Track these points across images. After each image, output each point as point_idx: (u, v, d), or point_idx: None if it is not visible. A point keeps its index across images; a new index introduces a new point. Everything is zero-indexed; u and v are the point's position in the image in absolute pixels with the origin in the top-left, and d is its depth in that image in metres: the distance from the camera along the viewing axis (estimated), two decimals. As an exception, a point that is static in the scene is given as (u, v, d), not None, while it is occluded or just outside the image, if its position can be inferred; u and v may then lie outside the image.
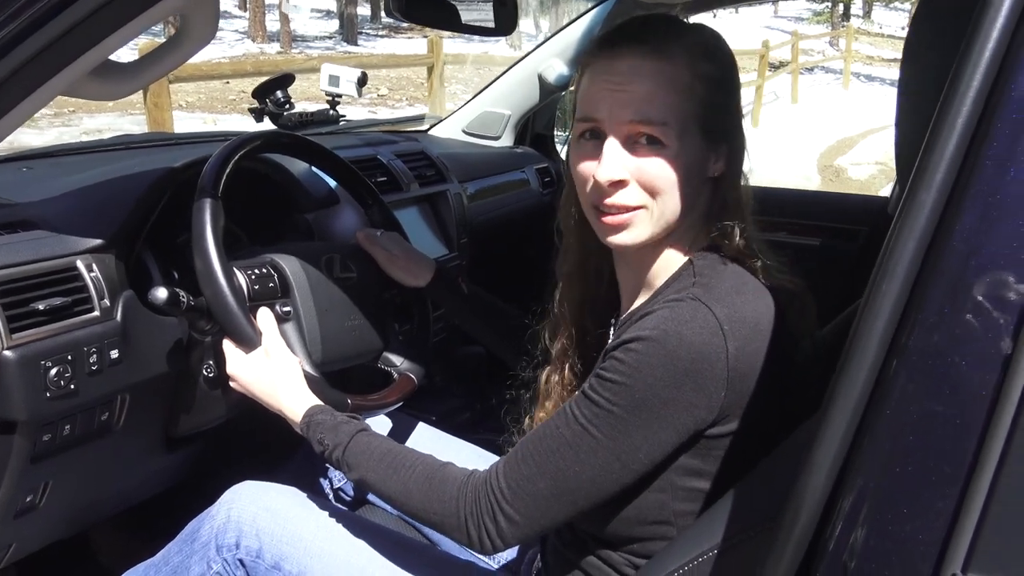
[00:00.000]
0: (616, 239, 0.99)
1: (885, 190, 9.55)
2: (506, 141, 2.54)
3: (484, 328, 1.44)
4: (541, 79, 2.40)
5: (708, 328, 0.89)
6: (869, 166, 10.92)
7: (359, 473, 1.04)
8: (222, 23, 0.94)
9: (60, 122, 9.38)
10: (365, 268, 1.37)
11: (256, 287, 1.19)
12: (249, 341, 1.13)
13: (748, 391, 0.92)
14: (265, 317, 1.17)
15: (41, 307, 1.08)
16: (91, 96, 1.05)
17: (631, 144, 0.95)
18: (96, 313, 1.15)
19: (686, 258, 0.99)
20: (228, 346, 1.15)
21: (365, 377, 1.40)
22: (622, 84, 0.95)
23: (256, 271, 1.20)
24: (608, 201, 0.96)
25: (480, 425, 1.77)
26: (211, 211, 1.15)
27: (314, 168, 1.55)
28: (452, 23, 1.34)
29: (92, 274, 1.16)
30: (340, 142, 1.77)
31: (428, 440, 1.48)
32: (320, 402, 1.12)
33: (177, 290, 1.15)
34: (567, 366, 1.15)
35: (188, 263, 1.42)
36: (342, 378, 1.34)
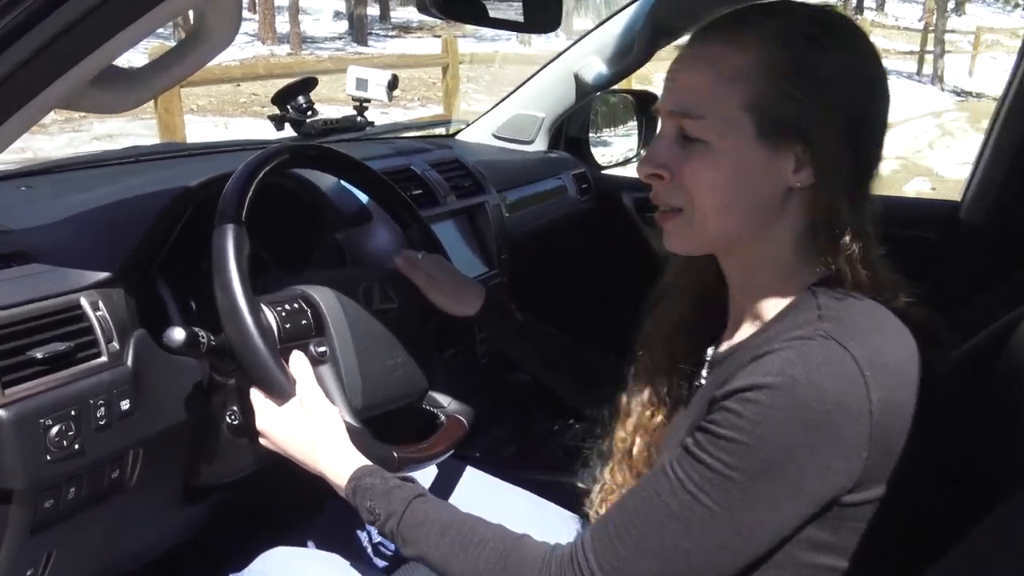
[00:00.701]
0: (665, 241, 0.89)
1: (909, 186, 9.36)
2: (539, 145, 2.38)
3: (541, 361, 1.28)
4: (578, 79, 2.24)
5: (846, 374, 0.74)
6: (890, 161, 10.69)
7: (417, 549, 0.89)
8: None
9: (71, 127, 9.27)
10: (407, 296, 1.21)
11: (287, 325, 1.03)
12: (282, 391, 0.97)
13: (894, 451, 0.76)
14: (299, 362, 1.01)
15: (39, 355, 0.92)
16: (93, 109, 0.90)
17: (679, 138, 0.84)
18: (103, 359, 0.99)
19: (800, 285, 0.84)
20: (257, 397, 1.00)
21: (406, 420, 1.24)
22: (676, 71, 0.85)
23: (286, 307, 1.04)
24: (651, 195, 0.87)
25: (527, 460, 1.61)
26: (234, 239, 0.99)
27: (344, 182, 1.40)
28: (487, 19, 1.19)
29: (98, 313, 1.00)
30: (369, 151, 1.61)
31: (475, 487, 1.32)
32: (366, 461, 0.96)
33: (196, 330, 1.00)
34: (650, 393, 0.99)
35: (207, 292, 1.27)
36: (381, 423, 1.18)
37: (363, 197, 1.42)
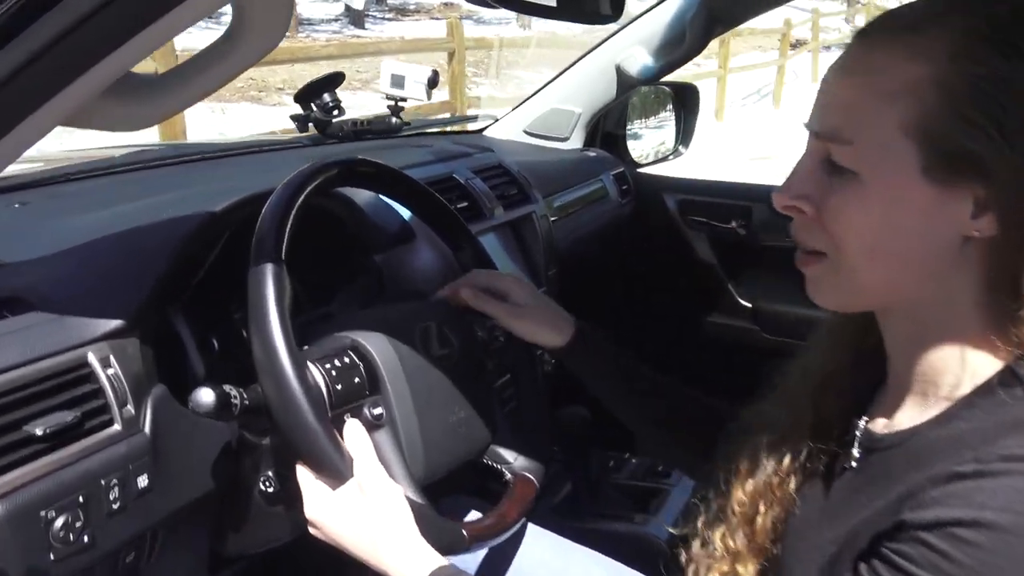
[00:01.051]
0: (808, 290, 0.74)
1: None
2: (574, 143, 2.20)
3: (636, 402, 1.09)
4: (620, 72, 2.05)
5: None
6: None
7: None
8: (225, 10, 0.59)
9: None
10: (465, 337, 1.03)
11: (338, 386, 0.85)
12: (337, 473, 0.80)
13: None
14: (355, 433, 0.84)
15: (39, 431, 0.75)
16: (106, 125, 0.72)
17: (825, 165, 0.68)
18: (117, 427, 0.82)
19: (989, 361, 0.66)
20: (306, 478, 0.82)
21: (463, 477, 1.07)
22: (827, 83, 0.69)
23: (336, 362, 0.87)
24: (791, 230, 0.73)
25: (584, 503, 1.44)
26: (275, 284, 0.82)
27: (384, 198, 1.22)
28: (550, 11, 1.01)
29: (110, 371, 0.83)
30: (408, 158, 1.43)
31: (539, 549, 1.15)
32: (439, 559, 0.79)
33: (227, 389, 0.82)
34: (781, 457, 0.81)
35: (231, 329, 1.10)
36: (438, 485, 1.01)
37: (405, 213, 1.24)
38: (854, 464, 0.75)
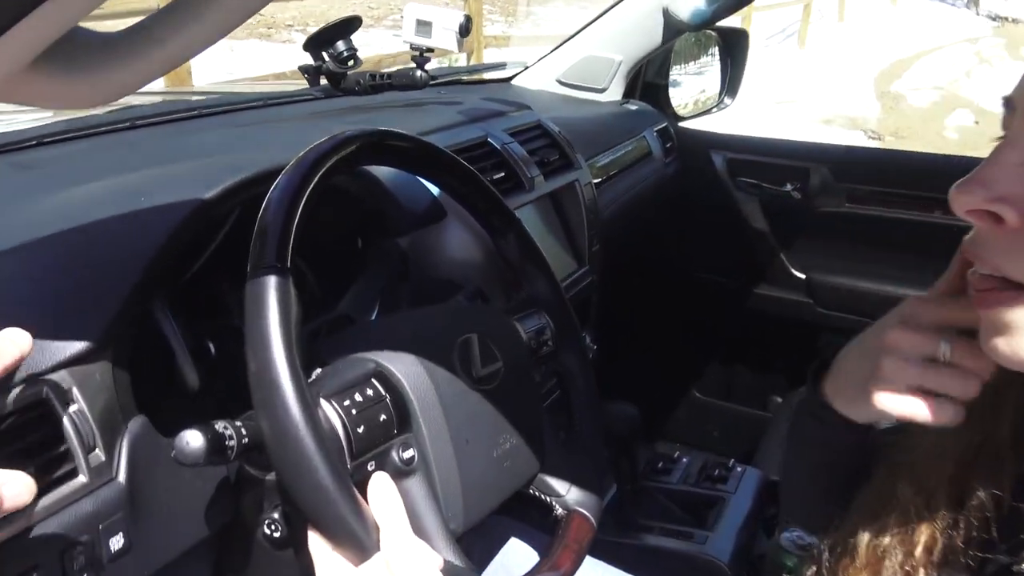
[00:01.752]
0: (982, 334, 0.53)
1: (951, 119, 8.85)
2: (613, 94, 1.99)
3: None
4: (667, 15, 1.84)
5: None
6: (928, 91, 10.14)
7: None
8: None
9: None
10: (511, 347, 0.85)
11: (359, 428, 0.68)
12: (359, 546, 0.63)
13: None
14: (382, 492, 0.67)
15: (-22, 495, 0.58)
16: (39, 100, 0.53)
17: None
18: (82, 479, 0.65)
19: None
20: (320, 550, 0.66)
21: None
22: None
23: (356, 398, 0.69)
24: (968, 245, 0.54)
25: (630, 514, 1.28)
26: (278, 301, 0.63)
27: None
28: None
29: (72, 408, 0.66)
30: (436, 119, 1.23)
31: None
32: None
33: (219, 428, 0.65)
34: (911, 547, 0.63)
35: (232, 328, 0.92)
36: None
37: (433, 188, 1.05)
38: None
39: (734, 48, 2.21)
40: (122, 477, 0.68)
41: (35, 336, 0.65)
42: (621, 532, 1.23)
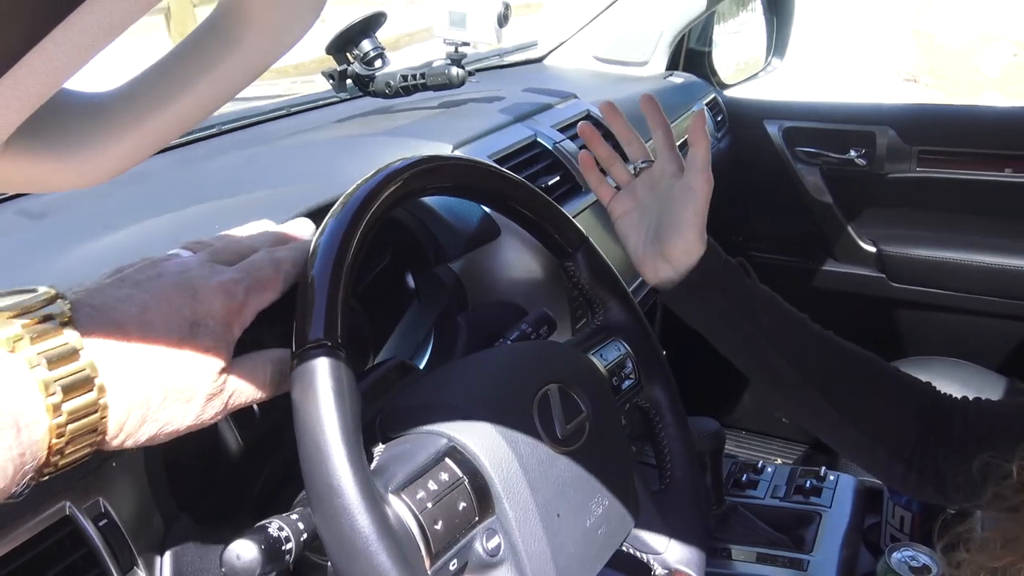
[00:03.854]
0: None
1: (987, 54, 8.49)
2: (656, 66, 1.85)
3: (778, 354, 0.81)
4: (712, -26, 1.70)
5: None
6: (961, 27, 9.76)
7: None
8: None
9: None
10: (596, 391, 0.74)
11: (437, 525, 0.57)
12: None
13: None
14: None
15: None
16: (23, 187, 0.43)
17: None
18: (116, 607, 0.56)
19: None
20: None
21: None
22: None
23: (431, 487, 0.58)
24: None
25: (720, 536, 1.17)
26: (334, 387, 0.53)
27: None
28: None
29: (103, 523, 0.56)
30: (478, 121, 1.11)
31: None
32: None
33: (273, 531, 0.55)
34: None
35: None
36: None
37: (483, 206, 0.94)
38: None
39: (780, 3, 2.06)
40: (165, 594, 0.59)
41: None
42: (710, 561, 1.13)
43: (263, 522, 0.56)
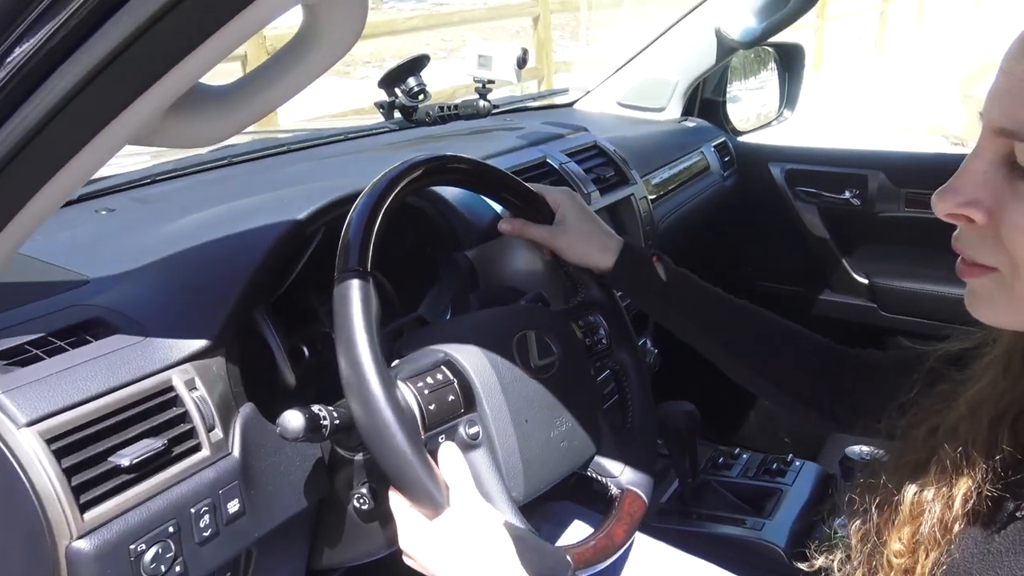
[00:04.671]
0: (967, 300, 0.64)
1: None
2: (672, 112, 2.08)
3: (696, 326, 1.06)
4: (720, 35, 1.93)
5: None
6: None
7: None
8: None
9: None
10: (566, 343, 0.96)
11: (431, 406, 0.80)
12: (432, 504, 0.75)
13: None
14: (451, 458, 0.78)
15: (126, 463, 0.71)
16: (174, 143, 0.67)
17: (1004, 166, 0.57)
18: (205, 453, 0.78)
19: None
20: (399, 506, 0.77)
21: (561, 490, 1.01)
22: (1014, 66, 0.56)
23: (428, 380, 0.81)
24: (953, 240, 0.63)
25: (691, 505, 1.36)
26: (361, 299, 0.76)
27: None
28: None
29: (195, 393, 0.79)
30: (498, 144, 1.35)
31: (651, 563, 1.08)
32: None
33: (316, 410, 0.77)
34: (948, 501, 0.71)
35: (322, 334, 1.06)
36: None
37: (496, 206, 1.17)
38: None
39: (791, 62, 2.28)
40: (236, 452, 0.81)
41: (163, 336, 0.80)
42: (682, 521, 1.31)
43: (310, 405, 0.79)
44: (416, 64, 1.45)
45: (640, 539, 1.10)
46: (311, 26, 0.62)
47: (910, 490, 0.72)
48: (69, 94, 0.58)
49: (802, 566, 0.87)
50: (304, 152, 1.45)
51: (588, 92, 2.15)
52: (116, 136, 0.62)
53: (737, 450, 1.48)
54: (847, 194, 1.97)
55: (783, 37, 2.23)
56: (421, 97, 1.46)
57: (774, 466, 1.41)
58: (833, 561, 0.81)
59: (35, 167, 0.62)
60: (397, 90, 1.47)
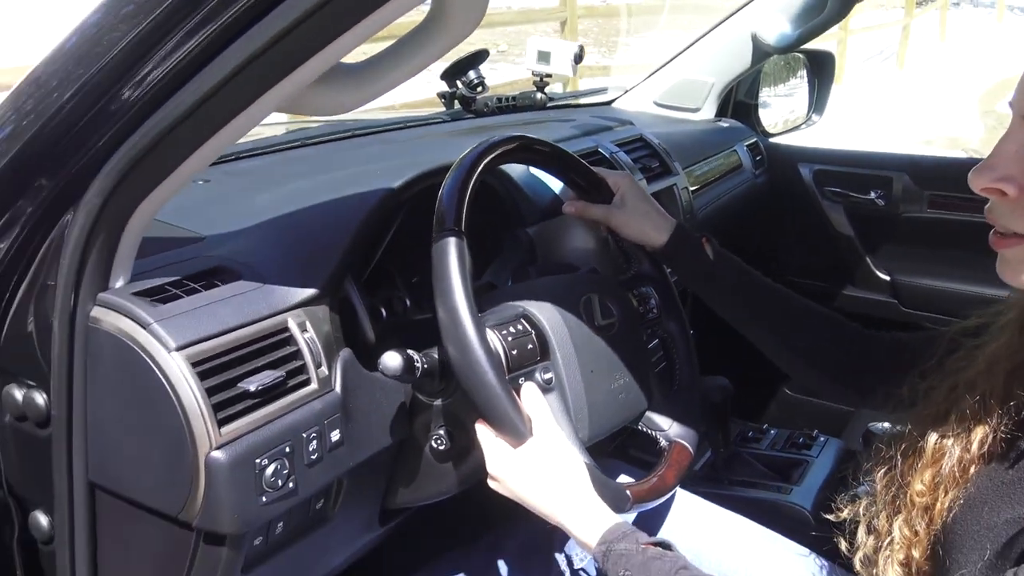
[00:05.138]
0: (998, 267, 0.74)
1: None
2: (706, 113, 2.19)
3: (738, 306, 1.17)
4: (756, 40, 2.03)
5: None
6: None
7: None
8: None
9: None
10: (624, 308, 1.07)
11: (514, 352, 0.91)
12: (518, 433, 0.85)
13: None
14: (532, 395, 0.89)
15: (253, 388, 0.82)
16: (313, 111, 0.78)
17: None
18: (314, 386, 0.89)
19: None
20: (486, 436, 0.88)
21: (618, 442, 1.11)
22: None
23: (511, 329, 0.92)
24: (986, 211, 0.72)
25: (723, 471, 1.46)
26: (458, 255, 0.87)
27: (534, 171, 1.27)
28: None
29: (307, 335, 0.90)
30: (553, 132, 1.46)
31: (691, 513, 1.18)
32: (613, 516, 0.84)
33: (411, 353, 0.89)
34: (965, 445, 0.81)
35: (399, 298, 1.17)
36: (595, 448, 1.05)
37: (555, 187, 1.28)
38: None
39: (821, 69, 2.38)
40: (338, 388, 0.92)
41: (279, 284, 0.91)
42: (715, 487, 1.41)
43: (405, 349, 0.90)
44: (476, 58, 1.56)
45: (680, 494, 1.20)
46: (437, 13, 0.73)
47: (932, 437, 0.82)
48: (236, 68, 0.70)
49: (829, 517, 0.97)
50: (370, 137, 1.56)
51: (626, 91, 2.25)
52: (267, 104, 0.74)
53: (765, 426, 1.58)
54: (872, 195, 2.07)
55: (814, 45, 2.34)
56: (479, 88, 1.57)
57: (800, 440, 1.51)
58: (859, 508, 0.91)
59: (202, 125, 0.74)
60: (458, 82, 1.58)
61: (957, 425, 0.80)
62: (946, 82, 10.99)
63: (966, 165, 2.09)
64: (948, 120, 8.98)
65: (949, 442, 0.81)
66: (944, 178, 1.99)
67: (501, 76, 7.02)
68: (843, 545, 0.93)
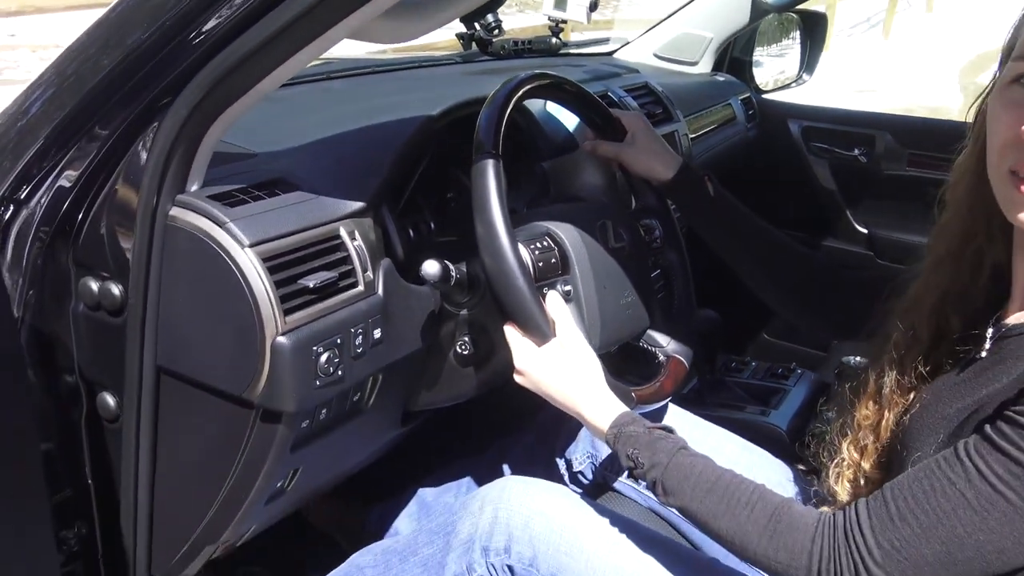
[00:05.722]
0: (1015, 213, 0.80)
1: None
2: (703, 67, 2.29)
3: (732, 242, 1.28)
4: (755, -3, 2.13)
5: None
6: (1016, 84, 9.97)
7: (680, 501, 0.89)
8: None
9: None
10: (633, 235, 1.19)
11: (540, 264, 1.02)
12: (542, 333, 0.97)
13: None
14: (556, 301, 1.01)
15: (312, 284, 0.93)
16: (379, 38, 0.88)
17: None
18: (360, 288, 1.01)
19: None
20: (514, 336, 1.00)
21: (623, 357, 1.24)
22: None
23: (537, 244, 1.03)
24: (1015, 164, 0.78)
25: (709, 396, 1.60)
26: (495, 175, 0.98)
27: (550, 109, 1.37)
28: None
29: (355, 243, 1.01)
30: (568, 76, 1.56)
31: (682, 426, 1.31)
32: (624, 406, 0.96)
33: (447, 263, 1.00)
34: (909, 369, 0.94)
35: (425, 220, 1.28)
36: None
37: (570, 125, 1.38)
38: (984, 354, 0.86)
39: (814, 30, 2.48)
40: (380, 292, 1.03)
41: (331, 196, 1.01)
42: (700, 409, 1.55)
43: (441, 258, 1.01)
44: (495, 1, 1.65)
45: (672, 409, 1.33)
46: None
47: (874, 366, 0.96)
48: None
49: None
50: (392, 74, 1.65)
51: (627, 43, 2.34)
52: (341, 31, 0.84)
53: (748, 358, 1.72)
54: (856, 151, 2.19)
55: (808, 6, 2.44)
56: (496, 32, 1.66)
57: (780, 371, 1.65)
58: (825, 436, 1.05)
59: (282, 48, 0.83)
60: (476, 24, 1.67)
61: (895, 353, 0.93)
62: (930, 53, 11.09)
63: (946, 126, 2.24)
64: (929, 91, 9.11)
65: (887, 368, 0.94)
66: (924, 138, 2.11)
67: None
68: (809, 462, 1.07)
